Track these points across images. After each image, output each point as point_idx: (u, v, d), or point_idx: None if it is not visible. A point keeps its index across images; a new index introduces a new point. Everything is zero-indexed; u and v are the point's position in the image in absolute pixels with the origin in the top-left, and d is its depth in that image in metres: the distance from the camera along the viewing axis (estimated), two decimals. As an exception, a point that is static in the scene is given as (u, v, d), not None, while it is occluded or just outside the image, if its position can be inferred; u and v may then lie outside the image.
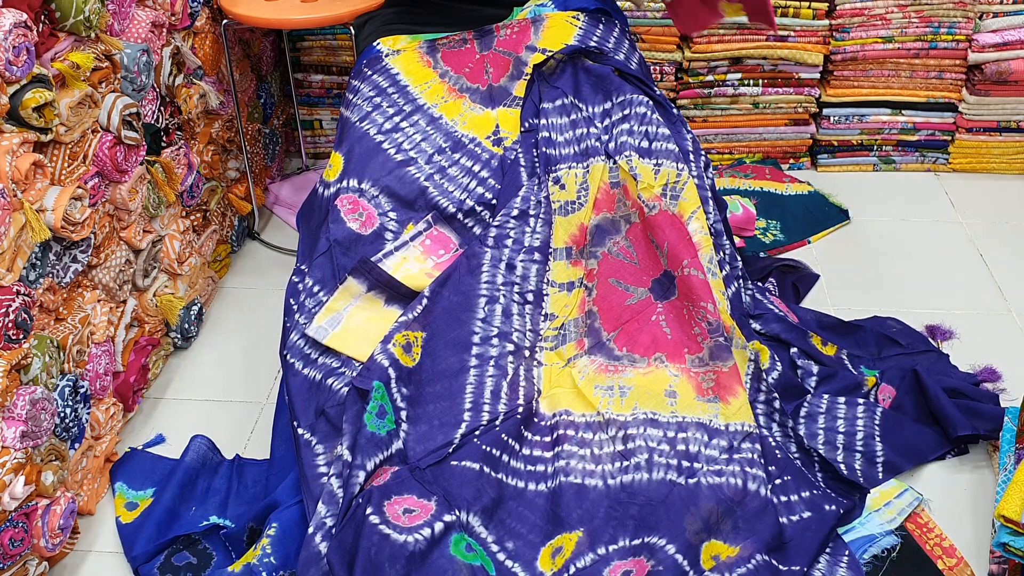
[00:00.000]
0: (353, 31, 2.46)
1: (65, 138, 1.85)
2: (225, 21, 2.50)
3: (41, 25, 1.78)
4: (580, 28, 2.18)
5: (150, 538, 1.90)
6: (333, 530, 1.73)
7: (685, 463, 1.87)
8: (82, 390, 1.90)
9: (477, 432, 1.87)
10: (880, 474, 1.97)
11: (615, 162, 2.04)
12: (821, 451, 1.98)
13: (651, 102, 2.09)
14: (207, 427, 2.16)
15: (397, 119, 2.12)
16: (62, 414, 1.81)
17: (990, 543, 1.83)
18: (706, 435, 1.91)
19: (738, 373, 1.97)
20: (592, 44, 2.14)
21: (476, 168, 2.07)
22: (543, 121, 2.08)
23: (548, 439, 1.91)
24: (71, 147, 1.88)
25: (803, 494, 1.89)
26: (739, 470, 1.85)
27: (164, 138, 2.24)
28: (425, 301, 1.97)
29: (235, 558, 1.88)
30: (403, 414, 1.88)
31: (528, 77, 2.12)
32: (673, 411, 1.94)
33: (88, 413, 1.94)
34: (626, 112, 2.07)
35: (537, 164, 2.06)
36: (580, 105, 2.11)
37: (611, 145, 2.04)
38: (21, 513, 1.69)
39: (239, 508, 1.97)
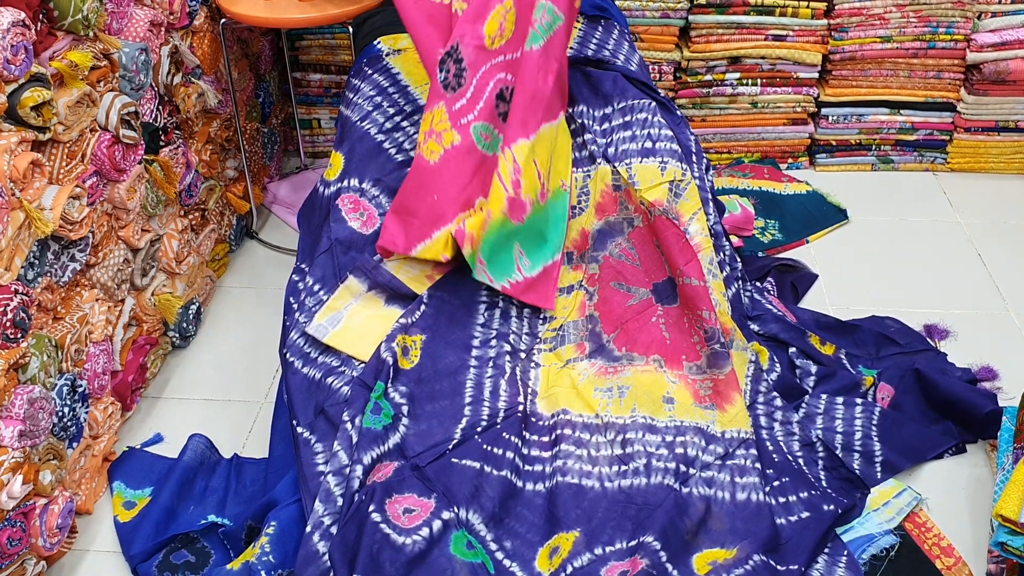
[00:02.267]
0: (352, 30, 2.46)
1: (63, 137, 1.84)
2: (223, 20, 2.50)
3: (39, 24, 1.78)
4: (579, 32, 2.18)
5: (148, 537, 1.90)
6: (331, 529, 1.73)
7: (682, 467, 1.87)
8: (80, 389, 1.89)
9: (478, 429, 1.87)
10: (879, 473, 1.97)
11: (615, 167, 2.03)
12: (820, 453, 1.98)
13: (653, 105, 2.08)
14: (205, 426, 2.16)
15: (398, 118, 2.12)
16: (60, 413, 1.81)
17: (988, 542, 1.83)
18: (703, 440, 1.91)
19: (735, 380, 1.97)
20: (591, 48, 2.13)
21: None
22: None
23: (547, 439, 1.91)
24: (69, 146, 1.88)
25: (802, 495, 1.89)
26: (728, 480, 1.85)
27: (162, 137, 2.24)
28: (423, 307, 1.96)
29: (233, 556, 1.88)
30: (404, 409, 1.88)
31: None
32: (671, 415, 1.94)
33: (86, 412, 1.93)
34: (627, 119, 2.06)
35: None
36: (582, 108, 2.11)
37: (611, 151, 2.04)
38: (19, 512, 1.69)
39: (237, 507, 1.97)
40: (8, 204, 1.67)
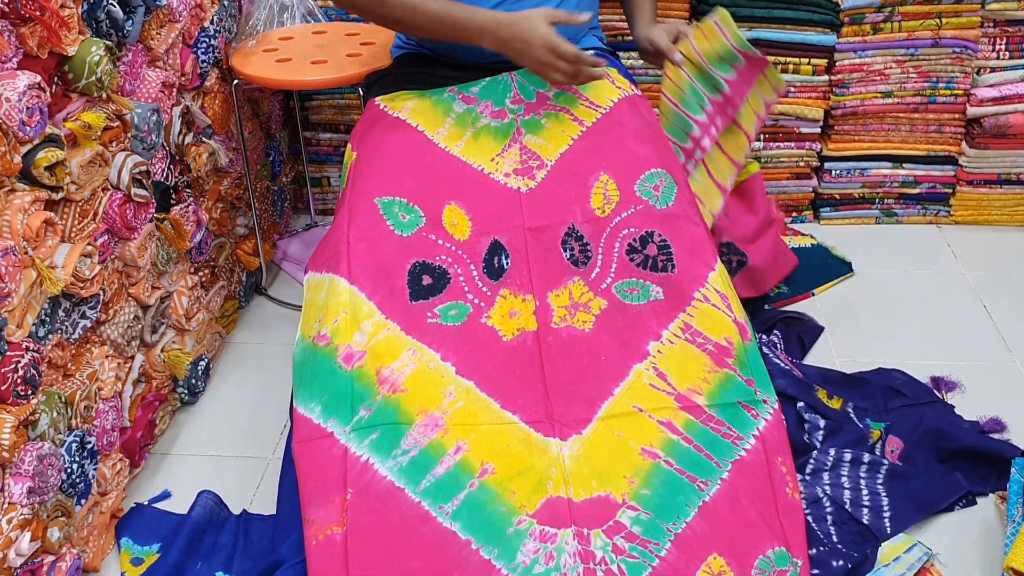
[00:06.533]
0: (362, 91, 2.50)
1: (76, 196, 1.87)
2: (236, 81, 2.54)
3: (55, 86, 1.82)
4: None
5: (155, 594, 1.89)
6: None
7: None
8: (89, 446, 1.90)
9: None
10: (888, 528, 1.96)
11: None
12: (828, 508, 1.97)
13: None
14: (213, 482, 2.16)
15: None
16: (69, 470, 1.81)
17: (1000, 597, 1.82)
18: None
19: None
20: None
21: None
22: None
23: None
24: (81, 205, 1.91)
25: (810, 552, 1.87)
26: None
27: (173, 195, 2.27)
28: None
29: (240, 614, 1.87)
30: None
31: None
32: None
33: (95, 469, 1.94)
34: None
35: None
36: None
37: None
38: (27, 570, 1.69)
39: (245, 564, 1.96)
40: (21, 262, 1.69)
